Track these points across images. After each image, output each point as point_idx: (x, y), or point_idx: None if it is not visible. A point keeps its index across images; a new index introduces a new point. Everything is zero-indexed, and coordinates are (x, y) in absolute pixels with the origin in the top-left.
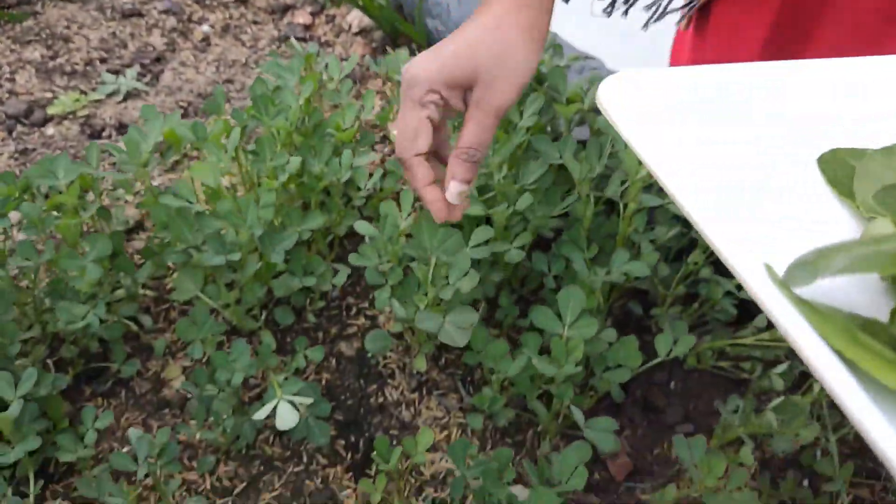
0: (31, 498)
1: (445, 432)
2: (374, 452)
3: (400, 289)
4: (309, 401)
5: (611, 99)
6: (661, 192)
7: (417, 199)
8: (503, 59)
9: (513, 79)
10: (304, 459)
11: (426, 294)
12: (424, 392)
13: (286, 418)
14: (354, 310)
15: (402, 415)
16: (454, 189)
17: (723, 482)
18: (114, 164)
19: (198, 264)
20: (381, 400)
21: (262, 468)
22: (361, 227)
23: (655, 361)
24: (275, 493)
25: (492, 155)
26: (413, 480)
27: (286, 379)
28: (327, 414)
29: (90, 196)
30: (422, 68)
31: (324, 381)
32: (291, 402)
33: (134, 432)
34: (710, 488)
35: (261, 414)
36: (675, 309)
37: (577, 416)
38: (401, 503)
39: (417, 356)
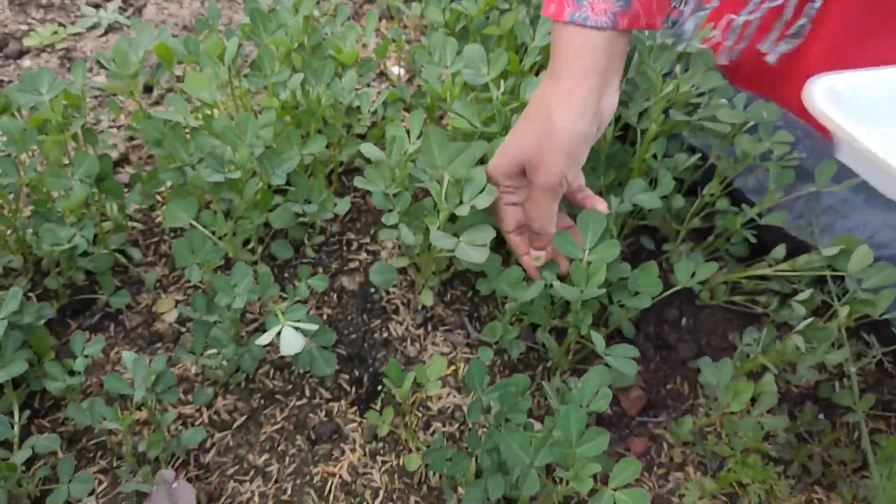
0: (17, 429)
1: (452, 367)
2: (381, 385)
3: (408, 215)
4: (313, 328)
5: (825, 100)
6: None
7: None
8: (541, 139)
9: (554, 155)
10: (307, 393)
11: (438, 214)
12: (430, 328)
13: (291, 342)
14: (356, 245)
15: (408, 350)
16: (531, 256)
17: (740, 414)
18: (97, 96)
19: (194, 183)
20: (385, 335)
21: (262, 401)
22: (367, 149)
23: (673, 290)
24: (277, 427)
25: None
26: (420, 415)
27: (289, 306)
28: (331, 343)
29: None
30: (490, 165)
31: (325, 316)
32: (296, 328)
33: (129, 355)
34: (731, 416)
35: (263, 339)
36: (686, 245)
37: (598, 342)
38: (408, 436)
39: (423, 291)
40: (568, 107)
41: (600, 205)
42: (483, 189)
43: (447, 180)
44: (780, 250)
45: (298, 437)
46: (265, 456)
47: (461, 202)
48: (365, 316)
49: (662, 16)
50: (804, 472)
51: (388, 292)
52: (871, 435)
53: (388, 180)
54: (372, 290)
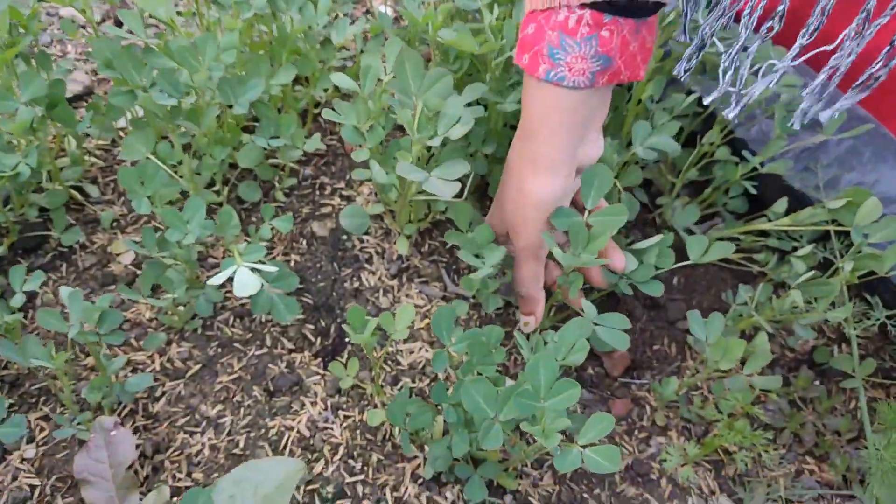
0: None
1: (427, 321)
2: (348, 337)
3: (385, 155)
4: (272, 270)
5: None
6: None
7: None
8: (514, 206)
9: (526, 221)
10: (268, 342)
11: (411, 147)
12: (405, 279)
13: (245, 283)
14: (329, 189)
15: (380, 301)
16: (523, 325)
17: (730, 374)
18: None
19: (154, 113)
20: (356, 285)
21: (219, 350)
22: (339, 79)
23: (684, 264)
24: (233, 377)
25: None
26: (389, 369)
27: (248, 245)
28: (293, 288)
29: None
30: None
31: (293, 263)
32: (252, 270)
33: (65, 290)
34: (720, 376)
35: (216, 279)
36: (682, 200)
37: (589, 310)
38: (375, 391)
39: (399, 239)
40: (536, 170)
41: (618, 262)
42: (457, 121)
43: (421, 110)
44: (781, 204)
45: (255, 388)
46: (219, 407)
47: (436, 135)
48: (335, 264)
49: (646, 65)
50: (796, 441)
51: (361, 240)
52: (869, 403)
53: (360, 114)
54: (344, 237)
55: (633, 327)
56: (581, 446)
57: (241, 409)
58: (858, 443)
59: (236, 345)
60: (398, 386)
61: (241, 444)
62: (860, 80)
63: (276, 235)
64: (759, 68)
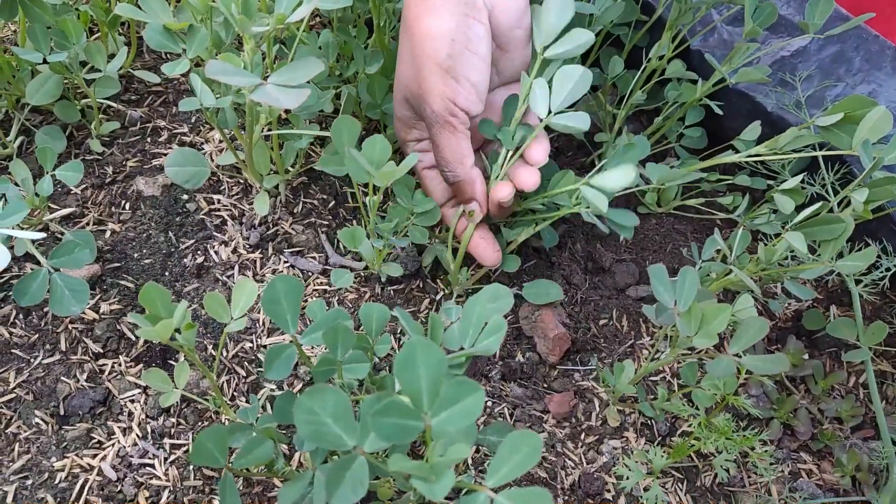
0: None
1: (301, 301)
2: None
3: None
4: (33, 236)
5: None
6: None
7: None
8: (411, 60)
9: (426, 73)
10: (63, 345)
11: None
12: (271, 250)
13: None
14: (165, 135)
15: (235, 281)
16: (466, 213)
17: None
18: None
19: None
20: (200, 260)
21: None
22: None
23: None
24: (7, 398)
25: None
26: (243, 372)
27: (6, 206)
28: (83, 265)
29: None
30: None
31: (109, 233)
32: (3, 237)
33: None
34: (691, 355)
35: None
36: (626, 137)
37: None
38: (215, 403)
39: (258, 195)
40: (428, 6)
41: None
42: (300, 2)
43: None
44: (753, 129)
45: (39, 412)
46: None
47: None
48: (171, 233)
49: None
50: (787, 434)
51: (209, 201)
52: (876, 379)
53: (178, 13)
54: (185, 196)
55: (572, 297)
56: (492, 489)
57: (16, 445)
58: (866, 431)
59: (16, 351)
60: (259, 394)
61: (9, 500)
62: None
63: (88, 198)
64: None
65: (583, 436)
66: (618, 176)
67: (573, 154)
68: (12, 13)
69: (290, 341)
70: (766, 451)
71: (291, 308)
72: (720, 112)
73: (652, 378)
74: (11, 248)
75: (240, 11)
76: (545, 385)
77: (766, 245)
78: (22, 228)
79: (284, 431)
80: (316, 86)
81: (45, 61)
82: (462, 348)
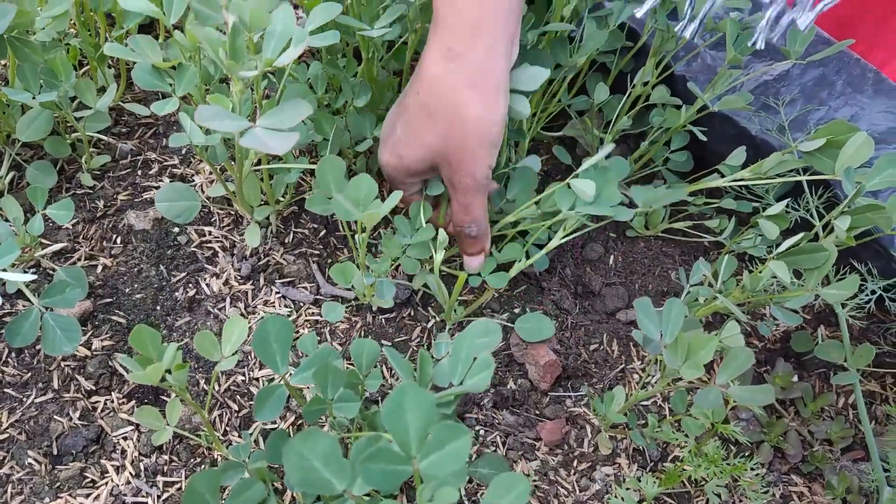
0: None
1: (292, 339)
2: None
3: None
4: (25, 278)
5: None
6: None
7: None
8: (454, 137)
9: (476, 152)
10: (56, 383)
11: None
12: (262, 281)
13: None
14: (156, 167)
15: (227, 313)
16: (472, 264)
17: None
18: None
19: None
20: (191, 293)
21: None
22: (130, 2)
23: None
24: (0, 438)
25: None
26: (235, 406)
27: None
28: (76, 301)
29: None
30: (388, 164)
31: (100, 269)
32: None
33: None
34: (680, 385)
35: None
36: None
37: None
38: (208, 439)
39: (249, 227)
40: (480, 92)
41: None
42: (289, 43)
43: (233, 27)
44: (738, 154)
45: (32, 452)
46: None
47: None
48: (162, 267)
49: None
50: (778, 457)
51: (201, 233)
52: (865, 401)
53: (165, 45)
54: (175, 229)
55: (563, 323)
56: None
57: (9, 487)
58: (856, 452)
59: (8, 390)
60: (251, 429)
61: None
62: None
63: (79, 233)
64: None
65: (575, 463)
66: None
67: (561, 177)
68: (2, 53)
69: (281, 381)
70: (757, 474)
71: (281, 349)
72: (704, 137)
73: (644, 404)
74: (3, 286)
75: (228, 56)
76: (537, 412)
77: (751, 271)
78: (14, 266)
79: (277, 468)
80: (306, 119)
81: (35, 101)
82: (452, 384)
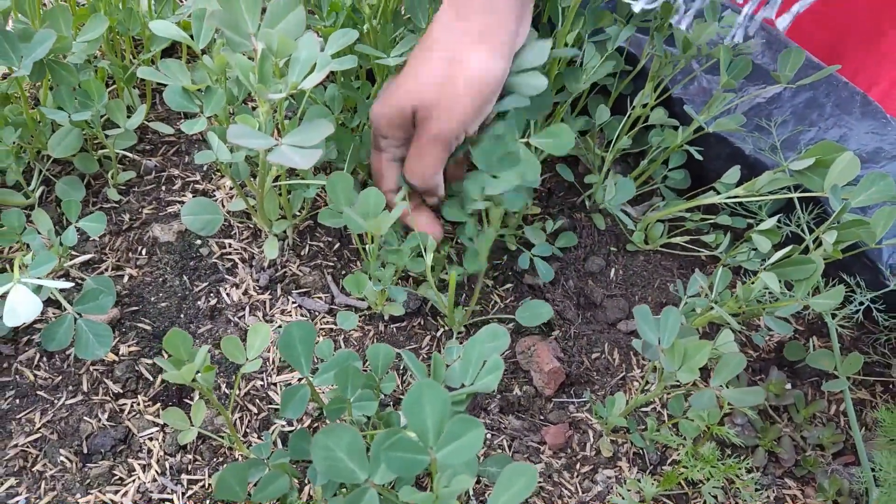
0: None
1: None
2: (163, 363)
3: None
4: (61, 285)
5: None
6: None
7: None
8: (444, 83)
9: (460, 100)
10: (85, 387)
11: (254, 107)
12: (280, 291)
13: (20, 308)
14: (179, 183)
15: (246, 321)
16: (420, 221)
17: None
18: None
19: None
20: (213, 302)
21: (17, 401)
22: (161, 27)
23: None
24: (33, 437)
25: None
26: (255, 409)
27: (35, 257)
28: (107, 309)
29: None
30: (374, 111)
31: (126, 278)
32: (35, 287)
33: None
34: (677, 388)
35: None
36: (614, 178)
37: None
38: (232, 440)
39: (268, 240)
40: (483, 46)
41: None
42: (313, 68)
43: (261, 52)
44: (733, 173)
45: (64, 451)
46: (10, 481)
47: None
48: (185, 277)
49: None
50: (772, 461)
51: (221, 245)
52: (854, 408)
53: (194, 69)
54: (198, 241)
55: (566, 332)
56: None
57: (42, 483)
58: (847, 457)
59: (41, 393)
60: (270, 430)
61: None
62: None
63: (106, 245)
64: None
65: (578, 466)
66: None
67: (564, 194)
68: (41, 75)
69: (304, 381)
70: (751, 477)
71: (305, 352)
72: (699, 157)
73: (643, 409)
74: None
75: (257, 80)
76: (541, 417)
77: (744, 283)
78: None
79: (295, 466)
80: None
81: (70, 119)
82: (463, 385)
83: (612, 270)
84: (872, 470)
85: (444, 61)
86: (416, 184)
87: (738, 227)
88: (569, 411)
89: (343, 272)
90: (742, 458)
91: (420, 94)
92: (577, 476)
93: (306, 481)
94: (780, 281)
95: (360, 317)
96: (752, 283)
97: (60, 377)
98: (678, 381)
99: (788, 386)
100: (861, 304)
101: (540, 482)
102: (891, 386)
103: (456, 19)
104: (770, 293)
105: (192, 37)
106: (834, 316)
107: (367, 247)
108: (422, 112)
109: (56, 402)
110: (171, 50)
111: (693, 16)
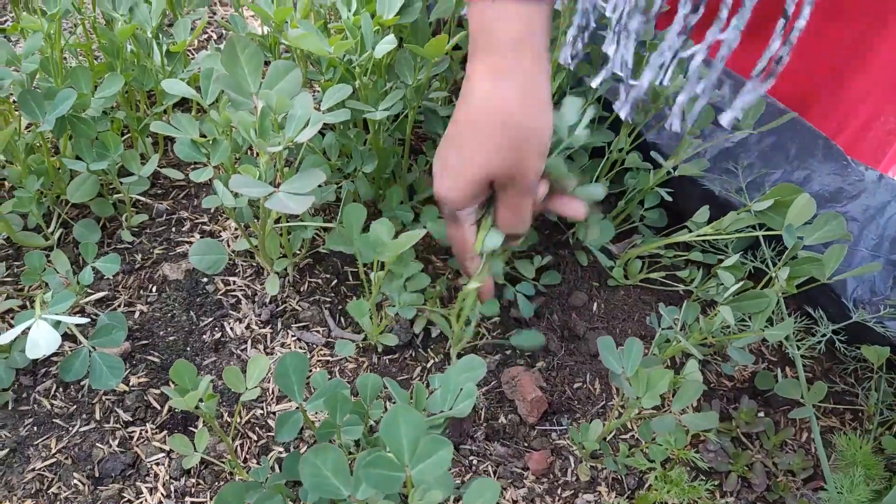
0: None
1: (307, 373)
2: (170, 392)
3: (230, 169)
4: (78, 321)
5: None
6: None
7: None
8: (511, 149)
9: (533, 159)
10: (97, 415)
11: (256, 156)
12: (280, 325)
13: (41, 341)
14: (188, 225)
15: (248, 353)
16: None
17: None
18: None
19: None
20: (217, 336)
21: (35, 428)
22: (171, 85)
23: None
24: (49, 461)
25: None
26: (254, 436)
27: (54, 295)
28: (119, 344)
29: None
30: (450, 196)
31: (137, 314)
32: (55, 322)
33: None
34: (647, 414)
35: (6, 337)
36: (595, 217)
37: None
38: (233, 466)
39: (269, 277)
40: (531, 105)
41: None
42: (307, 123)
43: (262, 110)
44: (703, 213)
45: (77, 474)
46: (28, 502)
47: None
48: (192, 312)
49: None
50: (745, 486)
51: (226, 283)
52: (824, 435)
53: (204, 123)
54: (204, 279)
55: (549, 363)
56: None
57: (57, 503)
58: (817, 482)
59: (57, 420)
60: (269, 455)
61: None
62: (760, 66)
63: (119, 283)
64: (650, 57)
65: (559, 490)
66: None
67: (549, 232)
68: (63, 130)
69: (297, 408)
70: (725, 502)
71: (298, 380)
72: (669, 199)
73: (622, 437)
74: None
75: (257, 134)
76: (525, 444)
77: (706, 316)
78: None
79: (291, 488)
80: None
81: (88, 168)
82: (443, 411)
83: (595, 304)
84: (839, 492)
85: (501, 131)
86: (521, 231)
87: (710, 263)
88: (551, 438)
89: (340, 307)
90: (716, 483)
91: (491, 165)
92: (559, 500)
93: (299, 501)
94: (739, 314)
95: (355, 349)
96: (713, 316)
97: (75, 406)
98: (644, 407)
99: (761, 414)
100: (824, 335)
101: None
102: (859, 413)
103: (492, 77)
104: (737, 325)
105: (199, 91)
106: (799, 347)
107: (371, 273)
108: (500, 179)
109: (71, 429)
110: (182, 102)
111: (632, 102)
